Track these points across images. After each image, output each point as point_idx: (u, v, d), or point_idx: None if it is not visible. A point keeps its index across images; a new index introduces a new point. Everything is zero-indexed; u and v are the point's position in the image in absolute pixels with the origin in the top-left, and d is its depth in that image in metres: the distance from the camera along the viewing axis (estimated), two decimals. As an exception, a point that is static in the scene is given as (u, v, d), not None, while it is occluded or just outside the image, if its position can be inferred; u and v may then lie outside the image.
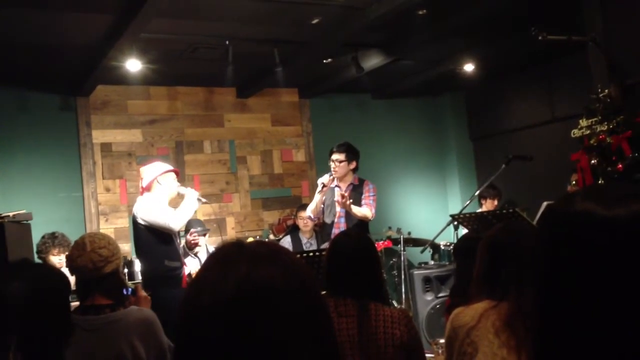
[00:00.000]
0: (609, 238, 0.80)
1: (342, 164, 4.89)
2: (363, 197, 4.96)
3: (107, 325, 2.27)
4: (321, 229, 5.17)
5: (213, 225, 6.21)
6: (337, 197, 4.73)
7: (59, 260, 4.89)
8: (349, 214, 4.83)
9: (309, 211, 5.03)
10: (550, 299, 0.85)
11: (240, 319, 0.84)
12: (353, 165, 4.95)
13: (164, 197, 4.42)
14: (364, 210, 4.83)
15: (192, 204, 4.39)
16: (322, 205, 4.99)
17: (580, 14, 4.56)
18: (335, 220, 4.90)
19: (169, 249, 4.30)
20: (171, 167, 4.58)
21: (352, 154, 4.93)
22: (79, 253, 2.36)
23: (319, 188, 4.88)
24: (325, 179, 4.86)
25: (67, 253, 4.86)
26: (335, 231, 4.85)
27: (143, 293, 2.75)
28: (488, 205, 6.09)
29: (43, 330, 1.76)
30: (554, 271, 0.85)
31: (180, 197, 4.51)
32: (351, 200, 4.72)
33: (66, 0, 3.93)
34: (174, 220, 4.24)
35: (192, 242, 5.09)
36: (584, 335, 0.80)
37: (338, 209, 4.87)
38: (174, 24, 4.62)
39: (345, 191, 4.91)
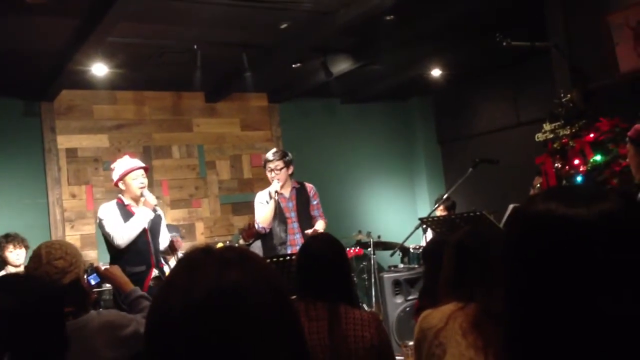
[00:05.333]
0: (570, 237, 0.81)
1: (282, 170, 4.89)
2: (314, 204, 5.02)
3: (71, 334, 2.24)
4: (269, 237, 4.97)
5: (182, 230, 6.17)
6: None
7: (16, 255, 5.04)
8: (301, 219, 4.90)
9: (262, 222, 4.88)
10: (517, 299, 0.86)
11: (209, 324, 0.84)
12: (291, 169, 4.97)
13: (129, 200, 4.40)
14: (322, 226, 4.95)
15: (142, 220, 4.31)
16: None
17: (545, 20, 4.67)
18: (289, 226, 4.91)
19: (130, 254, 4.25)
20: (134, 166, 4.42)
21: (288, 159, 4.96)
22: (35, 266, 2.31)
23: (273, 196, 4.81)
24: (276, 186, 4.83)
25: (22, 249, 4.94)
26: (290, 237, 4.87)
27: (103, 268, 2.75)
28: (439, 212, 6.16)
29: (36, 345, 1.72)
30: (520, 271, 0.87)
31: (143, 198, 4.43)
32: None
33: (30, 3, 3.86)
34: (119, 237, 4.22)
35: (176, 243, 4.89)
36: (552, 333, 0.81)
37: (290, 214, 4.90)
38: (141, 28, 4.57)
39: (290, 197, 4.96)
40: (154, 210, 4.43)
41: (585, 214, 0.82)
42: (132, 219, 4.30)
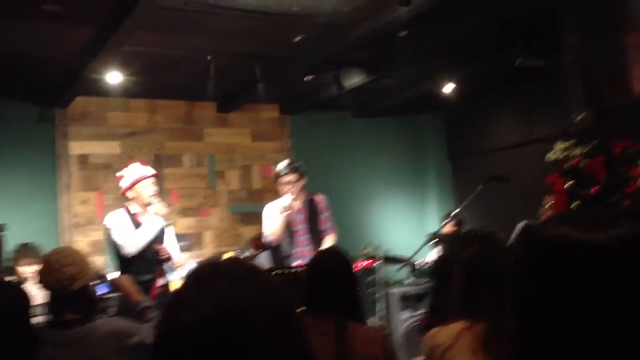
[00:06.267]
0: (585, 261, 0.81)
1: (297, 183, 4.85)
2: (323, 217, 4.97)
3: (78, 341, 2.24)
4: (277, 248, 4.94)
5: (191, 239, 6.18)
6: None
7: (28, 270, 4.93)
8: (311, 231, 4.87)
9: (271, 236, 4.84)
10: (528, 320, 0.86)
11: (218, 338, 0.85)
12: (304, 181, 4.93)
13: (136, 208, 4.39)
14: (332, 240, 4.91)
15: (153, 228, 4.30)
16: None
17: (559, 37, 4.65)
18: (297, 238, 4.87)
19: (138, 263, 4.24)
20: (145, 174, 4.42)
21: (302, 171, 4.92)
22: (45, 271, 2.33)
23: (286, 211, 4.77)
24: (287, 201, 4.79)
25: (36, 265, 4.88)
26: (299, 249, 4.83)
27: (116, 278, 2.76)
28: (447, 228, 6.11)
29: (4, 346, 1.73)
30: (532, 294, 0.86)
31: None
32: None
33: (46, 10, 3.90)
34: (130, 246, 4.20)
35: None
36: (562, 355, 0.81)
37: (299, 226, 4.87)
38: (156, 38, 4.61)
39: (301, 208, 4.92)
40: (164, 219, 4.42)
41: (600, 238, 0.81)
42: (143, 227, 4.29)
